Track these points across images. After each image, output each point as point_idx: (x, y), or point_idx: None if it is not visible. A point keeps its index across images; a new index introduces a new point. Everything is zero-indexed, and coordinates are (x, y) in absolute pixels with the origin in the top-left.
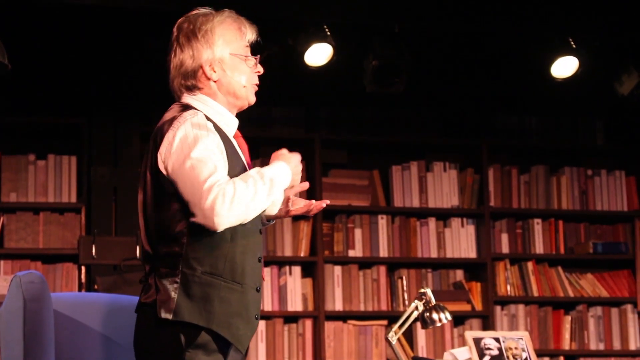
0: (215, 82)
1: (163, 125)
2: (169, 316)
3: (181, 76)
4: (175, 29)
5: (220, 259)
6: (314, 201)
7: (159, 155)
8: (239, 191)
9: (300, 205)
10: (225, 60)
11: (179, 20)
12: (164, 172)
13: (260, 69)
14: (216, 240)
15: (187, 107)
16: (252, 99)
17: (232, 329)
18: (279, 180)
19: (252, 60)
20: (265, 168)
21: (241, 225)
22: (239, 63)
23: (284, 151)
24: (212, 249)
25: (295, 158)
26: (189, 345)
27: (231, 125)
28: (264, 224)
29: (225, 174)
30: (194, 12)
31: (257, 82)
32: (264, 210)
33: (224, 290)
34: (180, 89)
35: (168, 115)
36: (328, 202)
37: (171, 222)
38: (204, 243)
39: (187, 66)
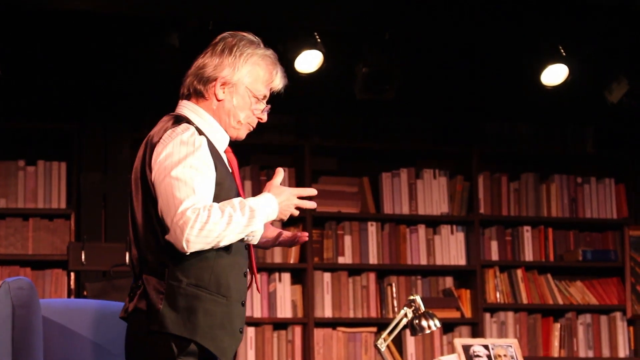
0: (219, 101)
1: (154, 136)
2: (155, 328)
3: (196, 77)
4: (219, 37)
5: (206, 271)
6: (298, 233)
7: (148, 167)
8: (212, 219)
9: (288, 235)
10: (238, 89)
11: (228, 32)
12: (151, 183)
13: (264, 118)
14: (202, 252)
15: (179, 118)
16: (242, 136)
17: (217, 341)
18: (261, 212)
19: (262, 105)
20: (250, 199)
21: None
22: (248, 99)
23: (276, 182)
24: (198, 261)
25: (288, 193)
26: (179, 354)
27: (222, 142)
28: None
29: (205, 197)
30: (245, 34)
31: (254, 126)
32: (242, 240)
33: (209, 302)
34: (189, 88)
35: (160, 126)
36: (307, 238)
37: (159, 232)
38: (191, 255)
39: (205, 71)
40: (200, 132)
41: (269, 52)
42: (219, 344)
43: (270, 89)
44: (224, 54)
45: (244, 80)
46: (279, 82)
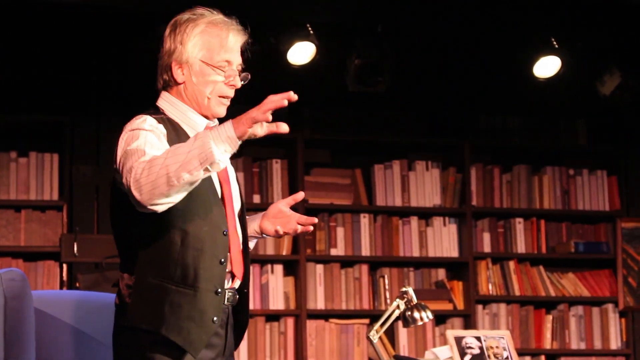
0: (180, 84)
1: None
2: (125, 322)
3: (160, 69)
4: (170, 23)
5: (171, 263)
6: (299, 227)
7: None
8: (155, 158)
9: (291, 226)
10: (194, 66)
11: (177, 16)
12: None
13: (237, 84)
14: (166, 244)
15: (151, 109)
16: (217, 111)
17: (183, 332)
18: (208, 134)
19: (230, 72)
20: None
21: (196, 228)
22: (208, 72)
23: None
24: (162, 253)
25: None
26: (149, 347)
27: (199, 126)
28: (256, 237)
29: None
30: (192, 10)
31: (228, 95)
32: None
33: (174, 294)
34: (159, 81)
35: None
36: (315, 220)
37: (126, 227)
38: (155, 248)
39: (164, 60)
40: (171, 121)
41: (215, 16)
42: (185, 336)
43: (235, 51)
44: (170, 37)
45: (196, 55)
46: (233, 40)
